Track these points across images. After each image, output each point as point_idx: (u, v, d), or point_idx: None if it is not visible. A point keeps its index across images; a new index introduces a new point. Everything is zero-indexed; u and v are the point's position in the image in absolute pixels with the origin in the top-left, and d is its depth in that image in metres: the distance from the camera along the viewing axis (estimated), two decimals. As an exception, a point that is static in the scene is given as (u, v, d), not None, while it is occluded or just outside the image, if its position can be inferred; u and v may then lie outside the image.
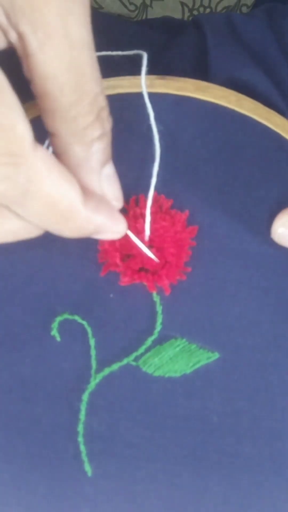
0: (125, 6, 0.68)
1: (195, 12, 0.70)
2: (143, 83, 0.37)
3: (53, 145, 0.29)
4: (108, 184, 0.31)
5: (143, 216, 0.36)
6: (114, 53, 0.41)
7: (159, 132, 0.37)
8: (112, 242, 0.36)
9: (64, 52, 0.25)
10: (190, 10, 0.70)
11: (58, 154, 0.29)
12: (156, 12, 0.70)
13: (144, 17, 0.70)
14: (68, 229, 0.29)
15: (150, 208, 0.36)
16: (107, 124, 0.29)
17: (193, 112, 0.39)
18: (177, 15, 0.70)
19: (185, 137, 0.39)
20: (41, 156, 0.26)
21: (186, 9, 0.70)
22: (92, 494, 0.34)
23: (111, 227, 0.31)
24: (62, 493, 0.34)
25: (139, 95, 0.38)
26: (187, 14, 0.70)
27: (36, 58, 0.25)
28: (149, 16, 0.70)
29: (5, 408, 0.35)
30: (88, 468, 0.34)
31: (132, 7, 0.69)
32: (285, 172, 0.38)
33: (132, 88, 0.39)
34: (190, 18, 0.69)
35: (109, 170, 0.31)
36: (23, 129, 0.24)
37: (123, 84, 0.39)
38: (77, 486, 0.34)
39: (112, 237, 0.32)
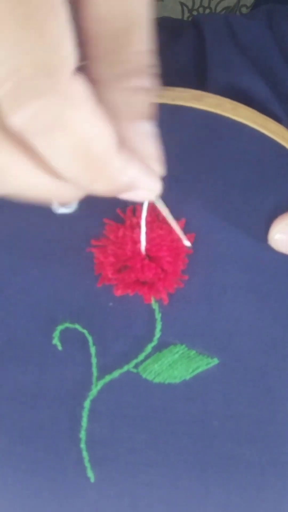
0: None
1: (194, 13, 0.70)
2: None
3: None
4: (144, 140, 0.28)
5: (139, 226, 0.36)
6: None
7: None
8: (106, 255, 0.36)
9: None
10: (190, 11, 0.70)
11: None
12: (155, 12, 0.70)
13: (144, 18, 0.70)
14: (99, 178, 0.25)
15: (147, 217, 0.37)
16: (153, 82, 0.27)
17: (188, 122, 0.40)
18: (177, 15, 0.70)
19: (182, 147, 0.39)
20: (80, 84, 0.23)
21: (185, 10, 0.71)
22: (95, 499, 0.35)
23: (145, 182, 0.27)
24: (65, 499, 0.35)
25: None
26: (186, 14, 0.70)
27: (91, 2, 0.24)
28: (149, 17, 0.70)
29: (9, 416, 0.36)
30: (90, 473, 0.35)
31: (131, 8, 0.69)
32: (282, 178, 0.39)
33: None
34: (190, 19, 0.69)
35: (148, 127, 0.28)
36: (69, 50, 0.22)
37: None
38: (80, 491, 0.35)
39: (146, 196, 0.29)
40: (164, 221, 0.38)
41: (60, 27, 0.22)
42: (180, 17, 0.70)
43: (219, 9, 0.68)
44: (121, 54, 0.25)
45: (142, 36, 0.25)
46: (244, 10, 0.68)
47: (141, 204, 0.37)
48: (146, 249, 0.36)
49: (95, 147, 0.24)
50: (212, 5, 0.68)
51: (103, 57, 0.25)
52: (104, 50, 0.25)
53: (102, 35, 0.25)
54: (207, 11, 0.69)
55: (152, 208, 0.38)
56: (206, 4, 0.69)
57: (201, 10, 0.70)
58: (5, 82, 0.21)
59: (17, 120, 0.22)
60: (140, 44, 0.25)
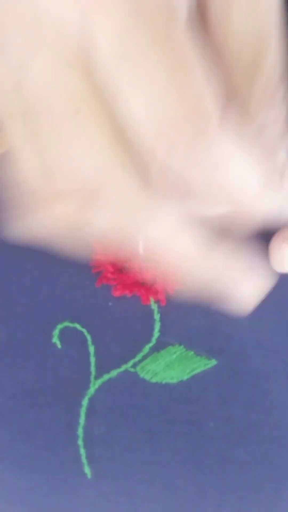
0: None
1: None
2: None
3: None
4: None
5: None
6: None
7: None
8: (105, 253, 0.36)
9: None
10: None
11: None
12: None
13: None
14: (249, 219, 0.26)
15: None
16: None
17: None
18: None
19: None
20: (229, 132, 0.23)
21: None
22: (92, 495, 0.35)
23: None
24: (63, 494, 0.36)
25: None
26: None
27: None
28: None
29: (9, 413, 0.37)
30: (87, 470, 0.36)
31: None
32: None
33: None
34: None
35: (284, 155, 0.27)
36: (212, 101, 0.22)
37: None
38: (78, 487, 0.36)
39: None
40: None
41: (201, 79, 0.22)
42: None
43: None
44: (252, 85, 0.25)
45: (274, 63, 0.25)
46: None
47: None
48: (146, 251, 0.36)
49: (247, 195, 0.24)
50: None
51: (234, 90, 0.25)
52: (235, 83, 0.25)
53: (232, 66, 0.25)
54: None
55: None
56: None
57: None
58: (161, 133, 0.22)
59: (177, 168, 0.23)
60: (271, 71, 0.25)
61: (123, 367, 0.37)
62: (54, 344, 0.37)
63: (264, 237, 0.37)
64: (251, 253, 0.28)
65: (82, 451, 0.36)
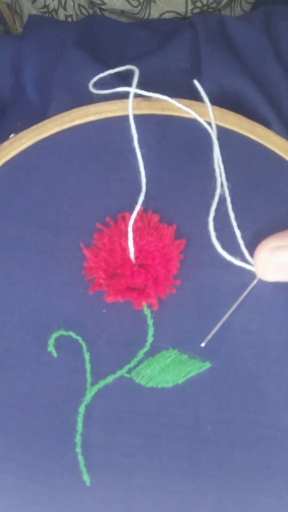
0: (128, 2, 0.68)
1: (198, 4, 0.69)
2: (130, 108, 0.38)
3: None
4: None
5: (128, 233, 0.37)
6: (107, 72, 0.42)
7: (145, 153, 0.38)
8: (97, 260, 0.37)
9: None
10: (194, 2, 0.70)
11: None
12: (159, 7, 0.70)
13: (147, 12, 0.70)
14: None
15: (137, 224, 0.37)
16: None
17: (177, 130, 0.40)
18: (181, 9, 0.70)
19: (171, 155, 0.40)
20: None
21: (189, 2, 0.70)
22: (91, 502, 0.36)
23: None
24: (62, 502, 0.36)
25: (127, 117, 0.39)
26: (190, 6, 0.70)
27: None
28: (153, 11, 0.70)
29: (6, 422, 0.37)
30: (86, 477, 0.36)
31: (135, 3, 0.68)
32: (269, 182, 0.39)
33: (119, 112, 0.40)
34: (194, 11, 0.69)
35: None
36: None
37: (110, 109, 0.40)
38: (77, 495, 0.36)
39: None
40: (154, 227, 0.38)
41: None
42: (184, 10, 0.70)
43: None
44: None
45: None
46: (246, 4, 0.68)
47: (130, 212, 0.38)
48: (136, 256, 0.37)
49: None
50: (216, -4, 0.67)
51: None
52: None
53: None
54: (212, 1, 0.68)
55: (142, 216, 0.38)
56: (210, -5, 0.68)
57: (204, 0, 0.69)
58: None
59: None
60: None
61: (119, 373, 0.37)
62: (50, 353, 0.37)
63: None
64: None
65: (81, 458, 0.36)
